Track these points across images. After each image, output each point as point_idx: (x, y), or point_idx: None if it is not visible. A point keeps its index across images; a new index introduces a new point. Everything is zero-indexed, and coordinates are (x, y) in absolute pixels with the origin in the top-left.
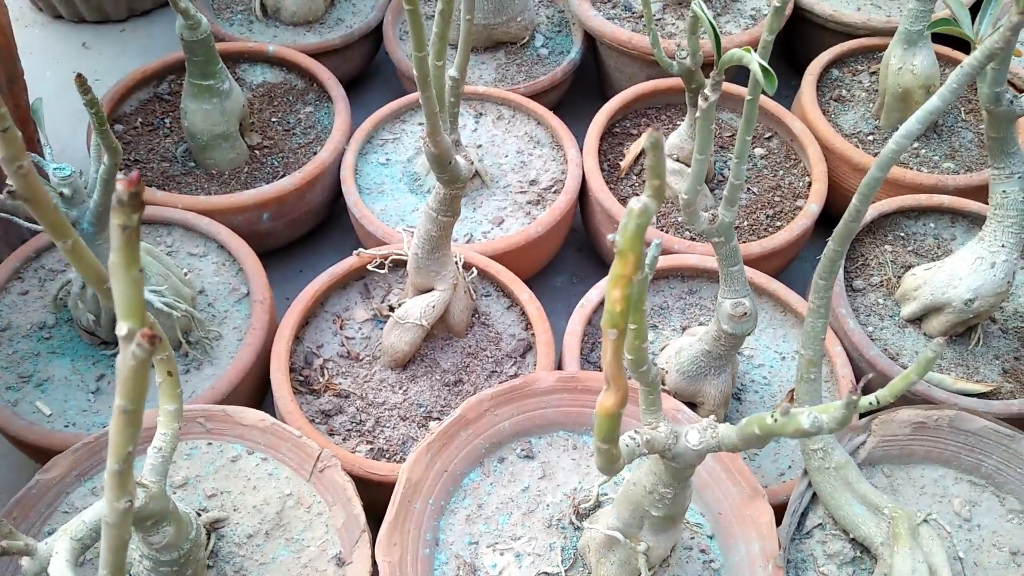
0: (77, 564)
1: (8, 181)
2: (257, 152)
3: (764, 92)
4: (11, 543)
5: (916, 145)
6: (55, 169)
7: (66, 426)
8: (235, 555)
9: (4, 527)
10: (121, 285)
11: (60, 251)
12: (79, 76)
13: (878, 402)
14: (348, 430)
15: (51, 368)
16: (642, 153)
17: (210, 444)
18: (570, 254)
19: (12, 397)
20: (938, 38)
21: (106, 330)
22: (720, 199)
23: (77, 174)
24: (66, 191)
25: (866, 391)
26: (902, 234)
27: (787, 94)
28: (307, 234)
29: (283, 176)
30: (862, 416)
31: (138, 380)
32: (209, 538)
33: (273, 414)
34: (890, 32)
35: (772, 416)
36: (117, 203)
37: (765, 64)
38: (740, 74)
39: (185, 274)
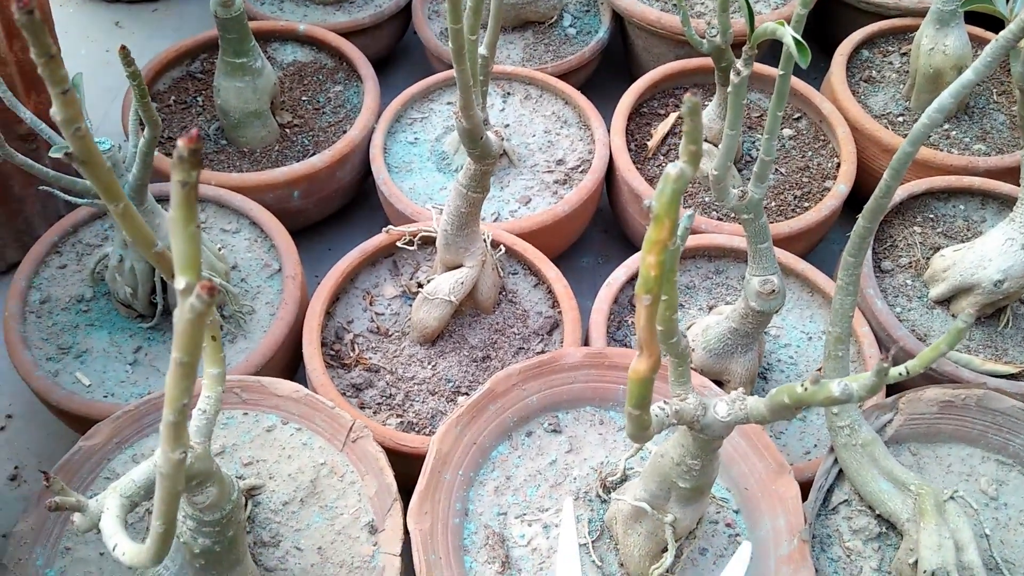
0: (125, 521)
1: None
2: (287, 130)
3: (797, 66)
4: (64, 499)
5: (947, 127)
6: (95, 143)
7: (105, 396)
8: (271, 521)
9: (56, 484)
10: (180, 240)
11: (111, 214)
12: (123, 48)
13: (908, 372)
14: (378, 403)
15: (90, 340)
16: (669, 133)
17: (246, 414)
18: (596, 235)
19: (52, 368)
20: (971, 18)
21: (143, 303)
22: (747, 180)
23: (116, 148)
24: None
25: (894, 365)
26: (932, 216)
27: (816, 76)
28: (336, 213)
29: (313, 154)
30: (890, 392)
31: (195, 333)
32: (246, 505)
33: (305, 387)
34: (922, 13)
35: (802, 385)
36: (177, 159)
37: (798, 37)
38: (769, 56)
39: (219, 249)
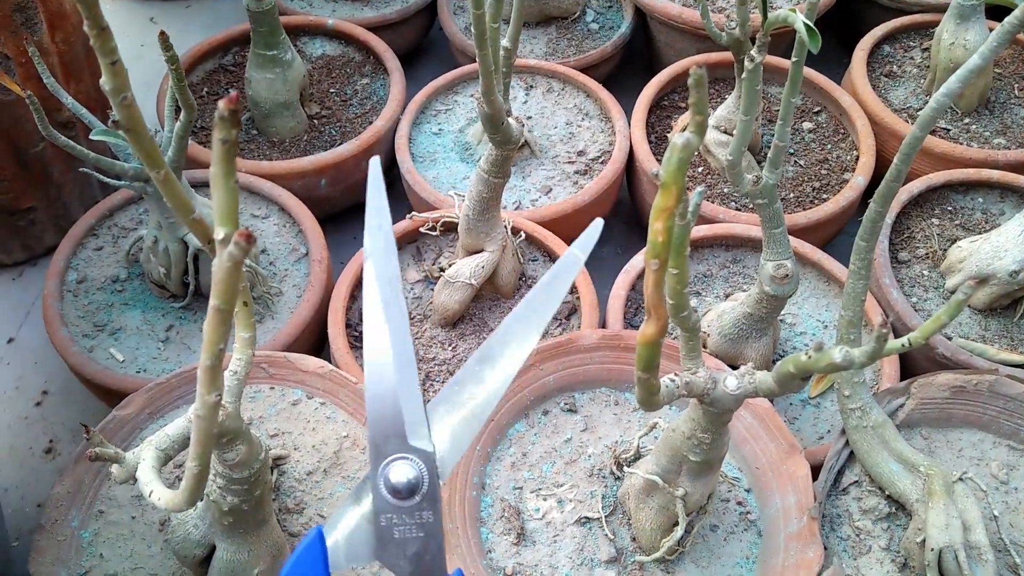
0: (160, 471)
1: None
2: (316, 121)
3: (819, 60)
4: (103, 450)
5: (967, 120)
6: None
7: (138, 372)
8: (295, 489)
9: (96, 437)
10: (220, 193)
11: (153, 181)
12: (162, 33)
13: (910, 344)
14: None
15: (124, 319)
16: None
17: (272, 388)
18: (616, 226)
19: (88, 344)
20: (992, 13)
21: (176, 283)
22: None
23: (152, 133)
24: None
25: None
26: (950, 208)
27: (838, 71)
28: (362, 201)
29: (340, 144)
30: (903, 378)
31: (232, 281)
32: (272, 473)
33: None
34: (943, 8)
35: (806, 354)
36: (219, 119)
37: (810, 23)
38: (790, 49)
39: None
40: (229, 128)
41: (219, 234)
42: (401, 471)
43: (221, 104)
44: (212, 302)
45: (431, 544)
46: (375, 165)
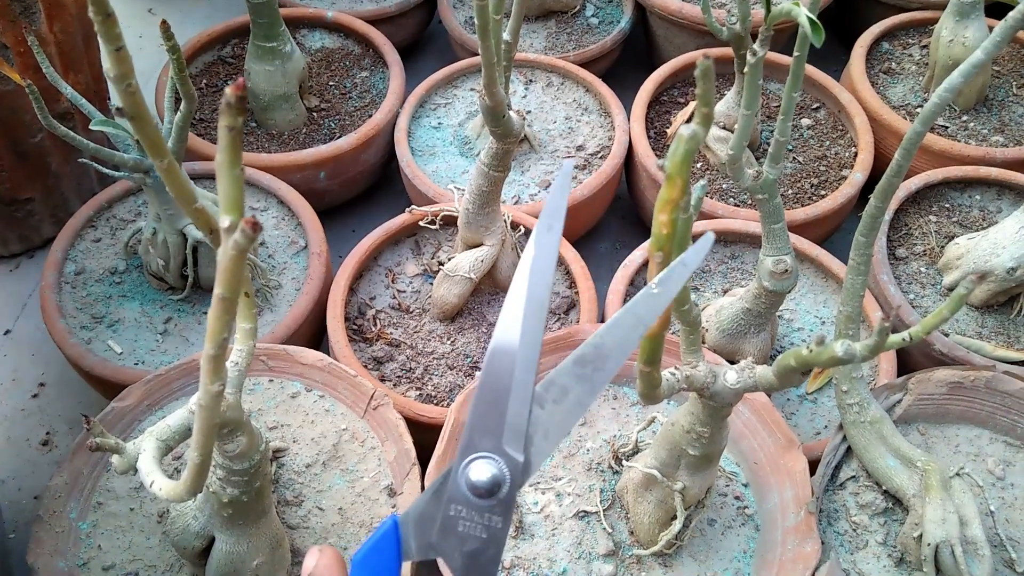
0: (161, 462)
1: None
2: (315, 114)
3: (818, 57)
4: (103, 440)
5: (965, 118)
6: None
7: (135, 364)
8: (294, 482)
9: (96, 428)
10: (225, 182)
11: (156, 170)
12: (163, 22)
13: (911, 338)
14: (398, 376)
15: (122, 311)
16: (689, 119)
17: (271, 381)
18: (614, 221)
19: (86, 336)
20: (991, 10)
21: (174, 276)
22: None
23: None
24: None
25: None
26: (947, 205)
27: (836, 69)
28: (360, 195)
29: (339, 137)
30: (900, 376)
31: (236, 269)
32: (271, 465)
33: None
34: (942, 5)
35: (807, 347)
36: (225, 106)
37: (812, 16)
38: (789, 46)
39: None
40: (236, 115)
41: (225, 222)
42: (485, 471)
43: (228, 90)
44: (216, 291)
45: (490, 549)
46: (568, 166)
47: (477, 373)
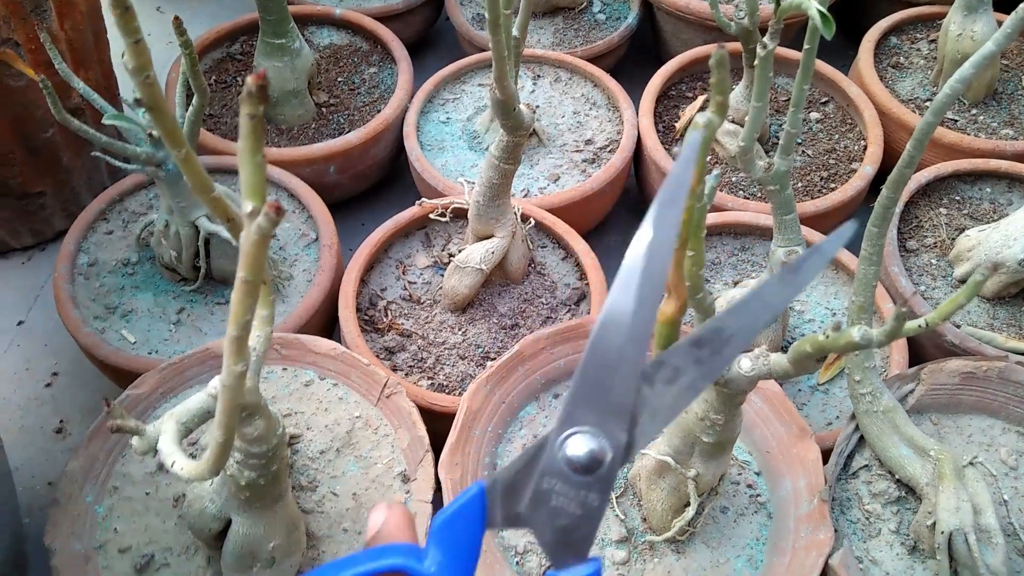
0: (181, 443)
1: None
2: (324, 110)
3: (827, 51)
4: (123, 422)
5: (975, 111)
6: (143, 113)
7: (149, 353)
8: (308, 468)
9: (116, 410)
10: (247, 168)
11: (174, 160)
12: (176, 18)
13: (927, 324)
14: (410, 366)
15: (135, 301)
16: (702, 108)
17: (285, 369)
18: (623, 214)
19: (99, 326)
20: (999, 4)
21: (187, 267)
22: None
23: None
24: (155, 133)
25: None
26: (958, 198)
27: (844, 64)
28: (370, 189)
29: (348, 132)
30: (912, 366)
31: (259, 253)
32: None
33: None
34: (950, 0)
35: (824, 334)
36: (247, 94)
37: (823, 9)
38: (796, 41)
39: None
40: (257, 104)
41: (248, 207)
42: (585, 445)
43: (249, 79)
44: (239, 274)
45: (584, 526)
46: (696, 136)
47: (489, 363)
